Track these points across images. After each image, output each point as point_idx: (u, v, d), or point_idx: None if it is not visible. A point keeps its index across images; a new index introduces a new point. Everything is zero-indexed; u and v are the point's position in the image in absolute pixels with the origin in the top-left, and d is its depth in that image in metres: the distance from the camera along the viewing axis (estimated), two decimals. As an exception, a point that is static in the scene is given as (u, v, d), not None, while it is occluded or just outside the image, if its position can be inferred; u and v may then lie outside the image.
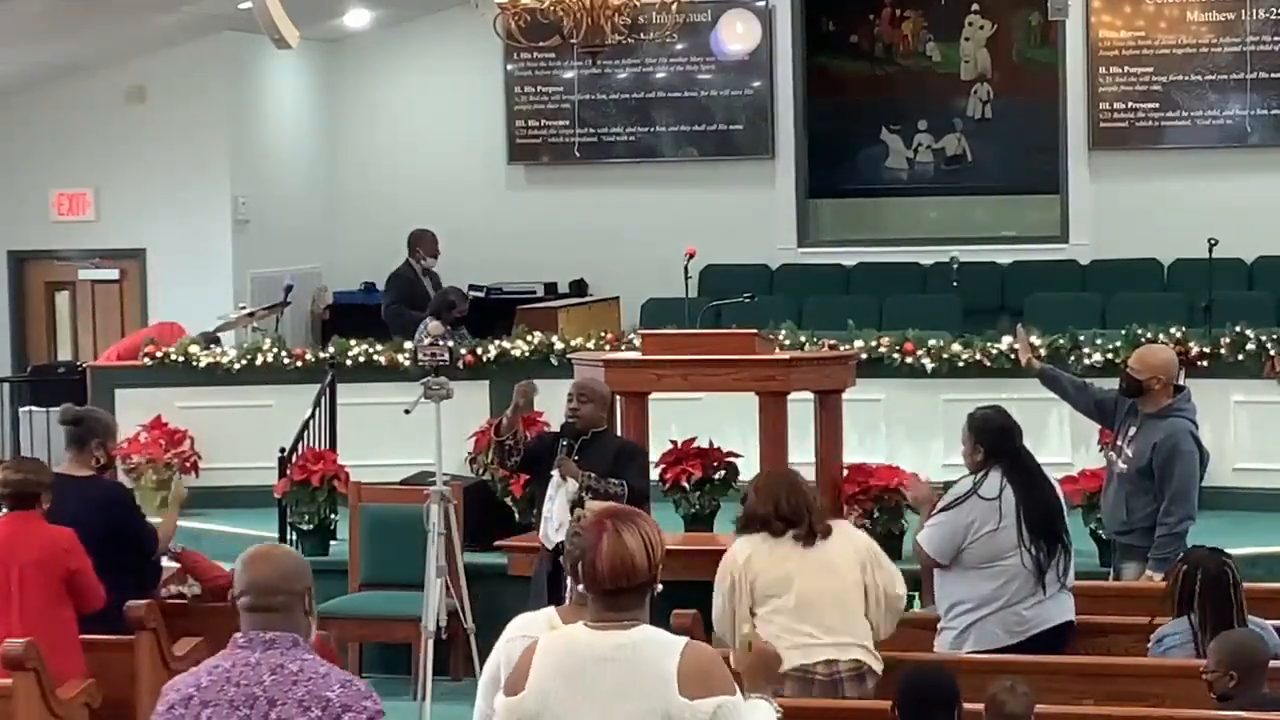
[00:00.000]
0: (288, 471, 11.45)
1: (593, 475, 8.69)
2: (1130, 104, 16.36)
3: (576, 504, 8.56)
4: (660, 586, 4.56)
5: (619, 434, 9.66)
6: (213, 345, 13.55)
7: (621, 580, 4.46)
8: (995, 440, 7.95)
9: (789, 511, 6.56)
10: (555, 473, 8.74)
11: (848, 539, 7.03)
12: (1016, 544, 7.73)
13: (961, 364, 12.36)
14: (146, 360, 13.25)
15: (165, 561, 8.70)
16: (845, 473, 10.61)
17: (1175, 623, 7.11)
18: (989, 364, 12.30)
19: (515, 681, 4.52)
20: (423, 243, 14.90)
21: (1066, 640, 7.80)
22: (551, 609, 5.19)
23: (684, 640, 4.50)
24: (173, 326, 14.23)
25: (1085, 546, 10.61)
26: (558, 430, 9.19)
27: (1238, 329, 12.15)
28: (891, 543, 10.58)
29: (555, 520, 8.70)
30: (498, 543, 10.40)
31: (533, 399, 9.11)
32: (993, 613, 7.70)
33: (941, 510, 7.87)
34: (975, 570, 7.73)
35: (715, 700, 4.38)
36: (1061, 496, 8.05)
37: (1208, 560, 7.10)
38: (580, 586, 5.03)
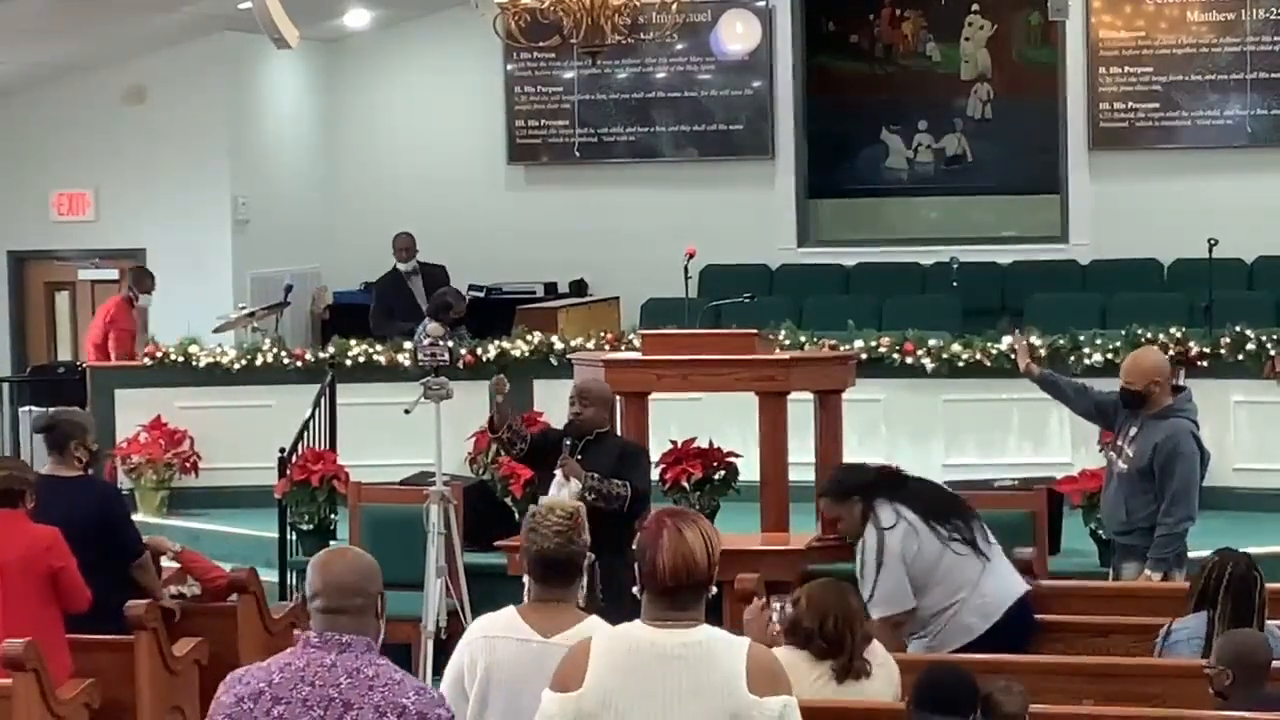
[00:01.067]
0: (288, 472, 11.45)
1: (595, 475, 8.68)
2: (1130, 104, 16.36)
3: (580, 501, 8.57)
4: (716, 589, 4.57)
5: (620, 435, 9.64)
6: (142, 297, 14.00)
7: (682, 578, 4.47)
8: (860, 482, 7.94)
9: (832, 634, 6.44)
10: (558, 472, 8.73)
11: (887, 682, 6.54)
12: (941, 544, 7.73)
13: (961, 364, 12.38)
14: (146, 360, 13.26)
15: (165, 561, 8.71)
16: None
17: (1189, 618, 7.10)
18: (989, 364, 12.31)
19: (567, 678, 4.51)
20: (393, 244, 15.00)
21: (1032, 615, 7.79)
22: (512, 608, 5.20)
23: (746, 640, 4.53)
24: (107, 306, 14.49)
25: (1085, 546, 10.64)
26: (561, 429, 9.18)
27: (1238, 329, 12.16)
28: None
29: None
30: (497, 543, 10.38)
31: (506, 390, 9.08)
32: (960, 603, 7.69)
33: (874, 574, 7.76)
34: (926, 588, 7.72)
35: (781, 699, 4.42)
36: (938, 481, 8.18)
37: (1237, 558, 7.12)
38: (528, 581, 5.04)
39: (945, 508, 7.84)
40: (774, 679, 4.44)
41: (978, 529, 7.84)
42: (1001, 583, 7.76)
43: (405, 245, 14.97)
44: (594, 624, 5.05)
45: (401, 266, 14.89)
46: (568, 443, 8.83)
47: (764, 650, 4.56)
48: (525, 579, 5.14)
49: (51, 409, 9.45)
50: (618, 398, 9.92)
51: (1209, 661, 6.37)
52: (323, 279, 17.48)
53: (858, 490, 7.87)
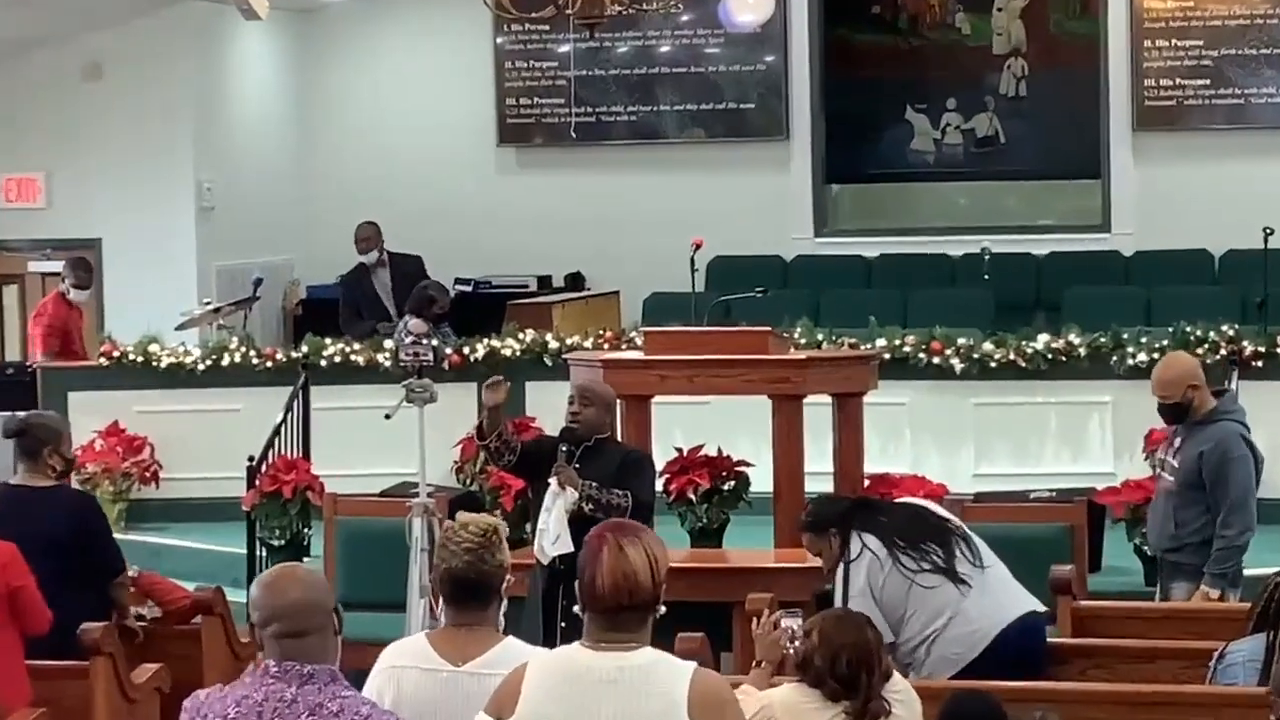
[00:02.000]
0: (257, 482, 11.45)
1: (594, 484, 8.66)
2: (1178, 80, 16.34)
3: (575, 514, 8.56)
4: (664, 608, 4.57)
5: (622, 441, 9.61)
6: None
7: (623, 598, 4.47)
8: (836, 513, 7.87)
9: (846, 674, 6.41)
10: (553, 481, 8.72)
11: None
12: (909, 576, 7.66)
13: (994, 364, 12.36)
14: (102, 360, 13.25)
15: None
16: (866, 484, 10.60)
17: (1246, 640, 7.06)
18: (1023, 364, 12.29)
19: (502, 703, 4.54)
20: (355, 236, 15.06)
21: (1038, 638, 7.73)
22: (422, 635, 5.22)
23: (693, 665, 4.52)
24: (43, 301, 14.51)
25: (1129, 564, 10.63)
26: (556, 436, 9.16)
27: (1295, 326, 12.16)
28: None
29: (551, 533, 8.69)
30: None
31: (503, 396, 9.06)
32: (938, 634, 7.63)
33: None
34: (901, 621, 7.66)
35: None
36: (927, 503, 8.13)
37: None
38: (442, 604, 5.05)
39: (917, 533, 7.75)
40: (720, 709, 4.45)
41: (960, 552, 7.74)
42: (990, 607, 7.65)
43: (365, 235, 14.96)
44: (511, 648, 5.07)
45: (364, 259, 14.90)
46: (564, 449, 8.81)
47: (712, 676, 4.57)
48: (440, 604, 5.17)
49: (23, 413, 9.42)
50: (618, 401, 9.90)
51: (1270, 688, 6.34)
52: (295, 272, 17.48)
53: (834, 522, 7.83)
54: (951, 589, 7.65)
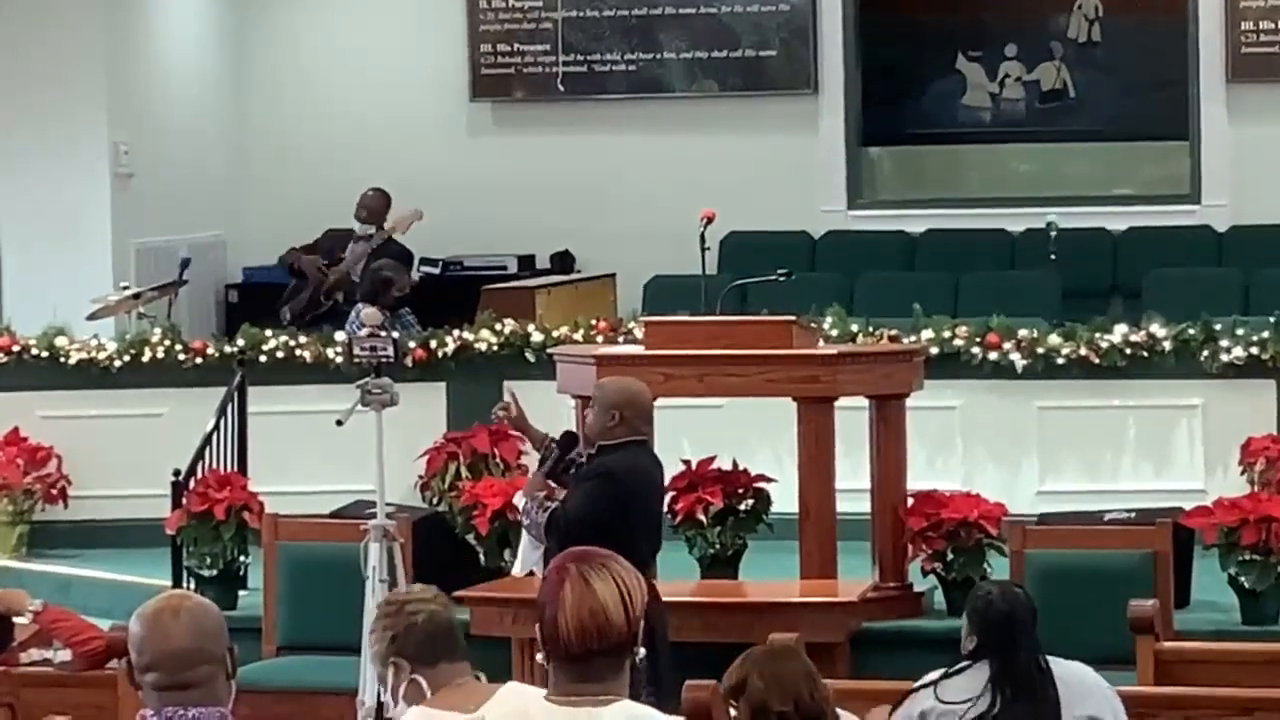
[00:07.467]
0: (183, 501, 11.45)
1: (537, 497, 8.80)
2: (1281, 23, 16.36)
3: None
4: (642, 650, 4.56)
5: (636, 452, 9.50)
6: None
7: (592, 641, 4.48)
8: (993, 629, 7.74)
9: (813, 710, 6.44)
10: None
11: None
12: None
13: (1061, 361, 12.36)
14: (-1, 355, 13.28)
15: (20, 621, 8.69)
16: (910, 502, 10.61)
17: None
18: (1096, 361, 12.29)
19: None
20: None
21: None
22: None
23: None
24: None
25: (1223, 598, 10.63)
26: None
27: None
28: (970, 593, 10.56)
29: (522, 557, 8.85)
30: (457, 593, 10.40)
31: (514, 411, 9.19)
32: None
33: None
34: None
35: None
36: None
37: None
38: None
39: None
40: None
41: None
42: None
43: (372, 205, 15.33)
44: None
45: (358, 228, 15.14)
46: (554, 454, 8.96)
47: None
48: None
49: None
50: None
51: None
52: (229, 251, 17.44)
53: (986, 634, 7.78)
54: None
